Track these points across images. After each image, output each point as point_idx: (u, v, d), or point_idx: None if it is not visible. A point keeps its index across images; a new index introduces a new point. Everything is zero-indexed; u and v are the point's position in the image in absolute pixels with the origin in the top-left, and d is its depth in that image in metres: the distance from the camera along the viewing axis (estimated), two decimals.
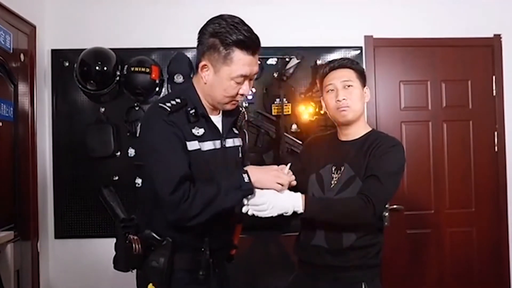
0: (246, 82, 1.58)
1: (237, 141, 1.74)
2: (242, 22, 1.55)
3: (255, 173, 1.56)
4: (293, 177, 1.64)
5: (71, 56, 2.91)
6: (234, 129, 1.75)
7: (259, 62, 1.63)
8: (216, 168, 1.61)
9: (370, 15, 3.13)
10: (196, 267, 1.59)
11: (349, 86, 1.75)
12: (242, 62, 1.52)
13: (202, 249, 1.59)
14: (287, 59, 2.98)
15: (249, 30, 1.54)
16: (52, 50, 2.95)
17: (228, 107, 1.64)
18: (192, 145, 1.57)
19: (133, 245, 1.58)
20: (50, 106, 2.95)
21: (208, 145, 1.61)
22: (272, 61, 3.00)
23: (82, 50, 2.79)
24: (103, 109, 2.93)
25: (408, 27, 3.14)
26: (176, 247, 1.58)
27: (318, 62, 3.01)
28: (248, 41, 1.51)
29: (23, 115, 2.66)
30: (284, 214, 1.57)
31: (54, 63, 2.95)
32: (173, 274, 1.58)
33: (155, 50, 2.98)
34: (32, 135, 2.74)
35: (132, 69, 2.79)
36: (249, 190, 1.53)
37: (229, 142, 1.70)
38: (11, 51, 2.52)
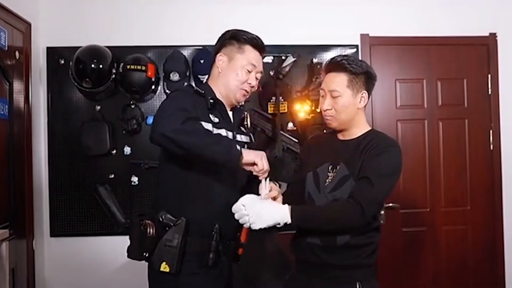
0: (254, 74, 1.82)
1: (244, 138, 1.91)
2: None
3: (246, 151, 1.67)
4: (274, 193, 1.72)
5: (66, 53, 2.90)
6: (241, 127, 1.92)
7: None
8: None
9: (366, 14, 3.13)
10: (207, 251, 1.69)
11: (335, 96, 1.72)
12: (252, 54, 1.82)
13: (213, 233, 1.70)
14: (283, 57, 2.97)
15: (259, 37, 1.87)
16: (48, 48, 2.94)
17: (239, 97, 1.82)
18: (207, 127, 1.68)
19: (148, 229, 1.69)
20: (45, 104, 2.94)
21: (222, 133, 1.73)
22: (268, 59, 2.98)
23: (78, 47, 2.78)
24: (98, 107, 2.93)
25: (404, 25, 3.15)
26: (189, 227, 1.69)
27: (314, 60, 3.01)
28: (258, 40, 1.85)
29: (18, 113, 2.65)
30: (277, 226, 1.59)
31: (50, 60, 2.94)
32: (184, 257, 1.68)
33: (151, 48, 2.98)
34: (27, 133, 2.73)
35: (128, 67, 2.78)
36: (235, 155, 1.60)
37: (238, 137, 1.85)
38: (6, 48, 2.50)
